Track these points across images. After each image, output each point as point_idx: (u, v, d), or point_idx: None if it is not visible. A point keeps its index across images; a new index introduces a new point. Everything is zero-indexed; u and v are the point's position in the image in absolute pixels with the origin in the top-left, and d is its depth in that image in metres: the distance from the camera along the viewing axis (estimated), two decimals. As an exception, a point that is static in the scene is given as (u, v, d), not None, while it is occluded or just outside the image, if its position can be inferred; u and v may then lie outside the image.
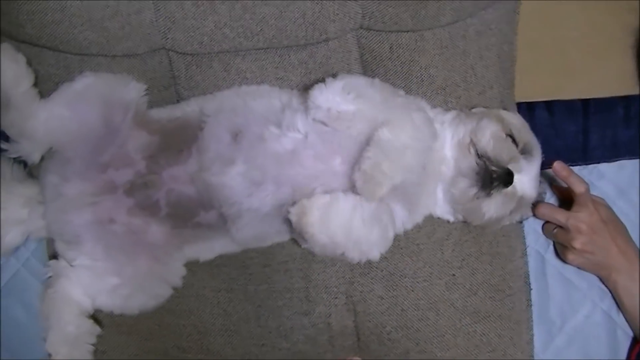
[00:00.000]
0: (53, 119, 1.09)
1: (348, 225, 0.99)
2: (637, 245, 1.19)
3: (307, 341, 1.19)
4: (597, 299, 1.25)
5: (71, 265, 1.11)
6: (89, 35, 1.10)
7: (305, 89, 1.11)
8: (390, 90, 1.10)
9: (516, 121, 1.11)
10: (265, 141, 1.05)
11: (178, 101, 1.17)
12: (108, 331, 1.18)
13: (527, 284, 1.23)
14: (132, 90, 1.12)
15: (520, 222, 1.21)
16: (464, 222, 1.15)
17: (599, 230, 1.15)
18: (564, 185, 1.19)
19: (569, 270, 1.24)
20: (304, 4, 1.09)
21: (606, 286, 1.23)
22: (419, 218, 1.14)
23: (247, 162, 1.05)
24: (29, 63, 1.12)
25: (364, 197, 0.99)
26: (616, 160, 1.28)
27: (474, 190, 1.05)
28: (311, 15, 1.10)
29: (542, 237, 1.25)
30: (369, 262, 1.14)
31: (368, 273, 1.17)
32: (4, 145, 1.11)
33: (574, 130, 1.27)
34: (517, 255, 1.22)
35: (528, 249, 1.24)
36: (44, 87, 1.13)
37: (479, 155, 1.06)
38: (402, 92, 1.13)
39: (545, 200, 1.22)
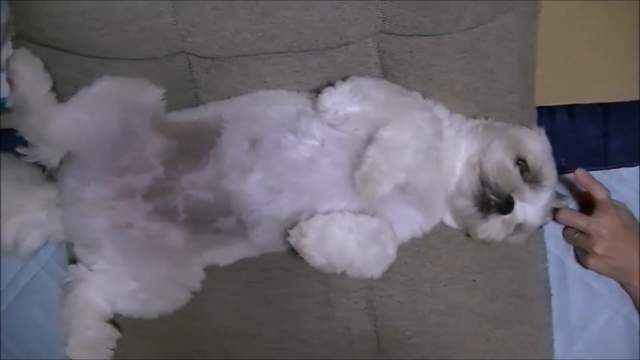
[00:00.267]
0: (71, 123, 1.09)
1: (342, 246, 1.00)
2: (658, 250, 1.18)
3: (327, 345, 1.19)
4: (618, 304, 1.24)
5: (90, 270, 1.11)
6: (108, 39, 1.10)
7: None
8: (397, 91, 1.09)
9: (536, 145, 1.08)
10: (283, 149, 1.05)
11: (197, 105, 1.16)
12: (127, 335, 1.18)
13: (548, 289, 1.22)
14: (151, 95, 1.12)
15: (540, 227, 1.20)
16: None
17: (621, 235, 1.15)
18: (584, 190, 1.18)
19: (589, 276, 1.23)
20: (324, 8, 1.08)
21: (627, 292, 1.22)
22: (437, 220, 1.14)
23: (265, 170, 1.05)
24: (49, 67, 1.12)
25: (364, 197, 0.99)
26: (637, 165, 1.26)
27: (471, 211, 1.05)
28: (331, 19, 1.09)
29: (563, 242, 1.25)
30: (389, 267, 1.15)
31: (388, 278, 1.16)
32: (23, 150, 1.11)
33: (595, 135, 1.26)
34: (538, 261, 1.21)
35: (548, 254, 1.23)
36: (64, 90, 1.13)
37: (481, 179, 1.05)
38: (416, 94, 1.13)
39: (567, 206, 1.21)
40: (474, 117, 1.14)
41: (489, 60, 1.15)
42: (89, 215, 1.09)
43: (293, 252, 1.03)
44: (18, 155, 1.12)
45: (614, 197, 1.19)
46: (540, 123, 1.18)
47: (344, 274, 1.13)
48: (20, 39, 1.16)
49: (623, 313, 1.24)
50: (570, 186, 1.25)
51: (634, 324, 1.23)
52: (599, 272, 1.21)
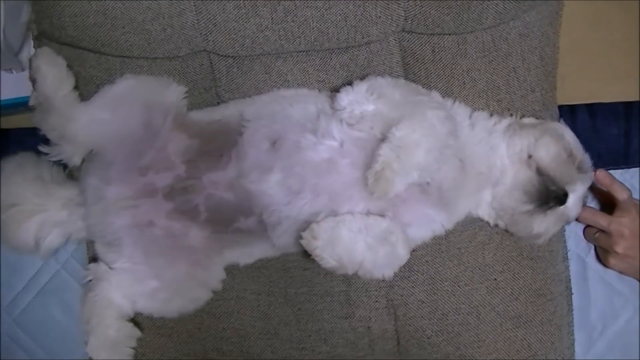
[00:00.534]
0: (94, 122, 1.09)
1: (352, 248, 1.00)
2: (680, 250, 1.17)
3: (347, 345, 1.19)
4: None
5: (111, 269, 1.11)
6: (130, 38, 1.10)
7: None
8: (413, 89, 1.09)
9: (571, 138, 1.10)
10: (302, 149, 1.05)
11: (218, 104, 1.16)
12: (147, 334, 1.19)
13: (569, 288, 1.22)
14: (173, 93, 1.12)
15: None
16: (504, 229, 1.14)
17: (642, 235, 1.14)
18: (605, 190, 1.18)
19: (610, 275, 1.24)
20: (346, 7, 1.08)
21: (648, 291, 1.22)
22: (459, 217, 1.13)
23: (284, 170, 1.05)
24: (71, 65, 1.13)
25: (376, 196, 0.99)
26: (659, 164, 1.27)
27: (529, 207, 1.05)
28: (353, 17, 1.09)
29: (583, 241, 1.25)
30: (410, 266, 1.15)
31: (409, 277, 1.16)
32: (45, 149, 1.11)
33: (616, 134, 1.26)
34: (559, 260, 1.21)
35: (569, 253, 1.23)
36: (86, 89, 1.14)
37: (540, 173, 1.05)
38: (435, 94, 1.12)
39: (587, 204, 1.21)
40: (498, 116, 1.14)
41: (511, 58, 1.15)
42: (110, 214, 1.08)
43: (307, 253, 1.03)
44: (39, 154, 1.13)
45: (635, 196, 1.18)
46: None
47: (363, 273, 1.14)
48: (42, 38, 1.16)
49: (644, 313, 1.24)
50: (591, 185, 1.23)
51: (655, 324, 1.24)
52: (619, 272, 1.21)
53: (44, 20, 1.12)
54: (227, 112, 1.12)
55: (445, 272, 1.17)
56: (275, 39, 1.10)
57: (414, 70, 1.16)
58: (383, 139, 1.00)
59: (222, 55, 1.13)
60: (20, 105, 1.26)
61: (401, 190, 0.98)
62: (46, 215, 1.13)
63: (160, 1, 1.08)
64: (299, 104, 1.09)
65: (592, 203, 1.25)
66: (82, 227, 1.13)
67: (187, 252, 1.10)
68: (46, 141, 1.11)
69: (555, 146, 1.06)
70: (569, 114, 1.25)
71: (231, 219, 1.09)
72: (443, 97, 1.13)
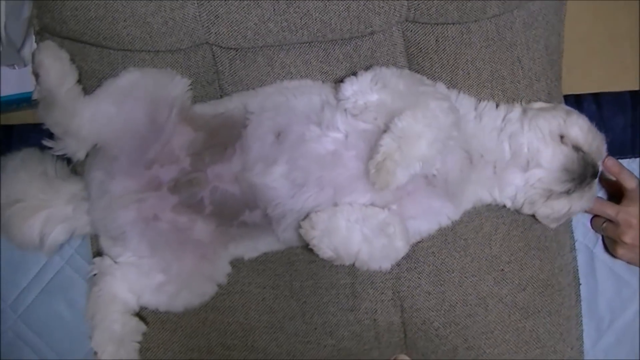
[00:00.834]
0: (98, 116, 1.08)
1: (348, 239, 1.00)
2: (689, 239, 1.17)
3: (353, 338, 1.18)
4: (648, 295, 1.23)
5: (116, 263, 1.11)
6: (132, 31, 1.10)
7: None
8: (418, 80, 1.08)
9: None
10: (307, 142, 1.04)
11: (221, 96, 1.16)
12: (152, 328, 1.18)
13: (577, 279, 1.21)
14: (177, 86, 1.12)
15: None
16: (516, 212, 1.13)
17: (650, 224, 1.14)
18: (613, 179, 1.17)
19: (618, 266, 1.23)
20: (348, -3, 1.07)
21: (657, 282, 1.21)
22: (466, 208, 1.12)
23: (289, 162, 1.04)
24: (73, 60, 1.12)
25: (377, 187, 0.98)
26: (666, 154, 1.26)
27: (568, 185, 1.05)
28: (356, 8, 1.08)
29: (591, 232, 1.24)
30: (416, 257, 1.15)
31: (415, 268, 1.16)
32: (49, 143, 1.10)
33: (623, 123, 1.26)
34: (566, 250, 1.20)
35: (577, 244, 1.22)
36: (88, 83, 1.13)
37: (576, 150, 1.05)
38: (440, 85, 1.11)
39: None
40: (505, 105, 1.13)
41: (515, 48, 1.14)
42: (115, 208, 1.08)
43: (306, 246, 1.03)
44: (43, 150, 1.12)
45: (642, 186, 1.17)
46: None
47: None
48: (43, 33, 1.15)
49: (653, 303, 1.23)
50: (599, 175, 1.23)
51: (665, 315, 1.23)
52: (628, 262, 1.20)
53: (45, 15, 1.12)
54: (231, 104, 1.12)
55: (452, 263, 1.16)
56: (277, 31, 1.10)
57: (418, 60, 1.15)
58: (386, 130, 1.00)
59: (224, 48, 1.13)
60: (24, 101, 1.26)
61: (403, 182, 0.98)
62: (51, 211, 1.12)
63: (161, -7, 1.07)
64: (303, 95, 1.09)
65: (600, 193, 1.24)
66: (86, 222, 1.12)
67: (192, 246, 1.10)
68: (50, 136, 1.10)
69: (585, 123, 1.07)
70: (575, 103, 1.25)
71: (236, 212, 1.08)
72: (448, 87, 1.12)
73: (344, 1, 1.08)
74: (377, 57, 1.14)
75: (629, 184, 1.13)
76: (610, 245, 1.20)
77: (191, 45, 1.13)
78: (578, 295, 1.21)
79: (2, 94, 1.26)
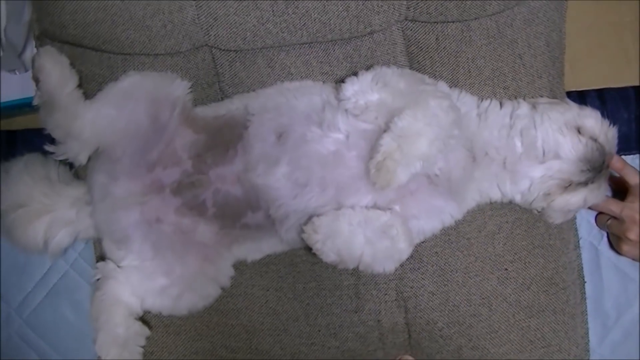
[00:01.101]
0: (99, 119, 1.08)
1: (350, 242, 1.00)
2: (695, 235, 1.15)
3: (357, 339, 1.18)
4: (654, 291, 1.22)
5: (119, 267, 1.11)
6: (131, 34, 1.10)
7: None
8: (419, 79, 1.08)
9: None
10: (308, 142, 1.04)
11: (222, 99, 1.16)
12: (156, 332, 1.19)
13: (581, 276, 1.20)
14: (178, 88, 1.11)
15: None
16: (520, 210, 1.13)
17: (655, 221, 1.13)
18: (617, 175, 1.16)
19: (623, 262, 1.22)
20: (347, -3, 1.07)
21: (662, 278, 1.20)
22: (469, 206, 1.12)
23: (291, 163, 1.04)
24: (73, 64, 1.12)
25: (378, 186, 0.98)
26: (671, 149, 1.25)
27: (587, 175, 1.04)
28: (355, 8, 1.08)
29: (596, 229, 1.23)
30: (420, 257, 1.14)
31: (418, 268, 1.15)
32: (51, 148, 1.11)
33: (627, 119, 1.25)
34: (570, 248, 1.19)
35: (581, 241, 1.21)
36: (88, 87, 1.13)
37: (594, 140, 1.04)
38: (442, 84, 1.11)
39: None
40: (507, 102, 1.12)
41: (516, 45, 1.14)
42: (118, 210, 1.08)
43: (309, 248, 1.03)
44: (45, 154, 1.13)
45: (647, 182, 1.17)
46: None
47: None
48: (43, 37, 1.16)
49: (659, 300, 1.22)
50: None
51: (671, 312, 1.22)
52: (633, 259, 1.20)
53: (44, 19, 1.12)
54: (232, 106, 1.12)
55: (456, 262, 1.15)
56: (277, 32, 1.09)
57: (419, 59, 1.15)
58: (387, 129, 0.99)
59: (224, 50, 1.13)
60: (25, 106, 1.26)
61: (404, 181, 0.97)
62: (55, 215, 1.13)
63: (160, -3, 1.07)
64: (303, 96, 1.09)
65: (604, 190, 1.23)
66: (90, 225, 1.13)
67: (196, 248, 1.10)
68: (53, 141, 1.10)
69: (599, 115, 1.06)
70: (579, 100, 1.24)
71: (239, 213, 1.08)
72: (449, 86, 1.12)
73: (343, 1, 1.07)
74: (377, 57, 1.13)
75: (633, 179, 1.13)
76: (615, 242, 1.20)
77: (190, 48, 1.13)
78: (583, 292, 1.20)
79: (3, 100, 1.26)
